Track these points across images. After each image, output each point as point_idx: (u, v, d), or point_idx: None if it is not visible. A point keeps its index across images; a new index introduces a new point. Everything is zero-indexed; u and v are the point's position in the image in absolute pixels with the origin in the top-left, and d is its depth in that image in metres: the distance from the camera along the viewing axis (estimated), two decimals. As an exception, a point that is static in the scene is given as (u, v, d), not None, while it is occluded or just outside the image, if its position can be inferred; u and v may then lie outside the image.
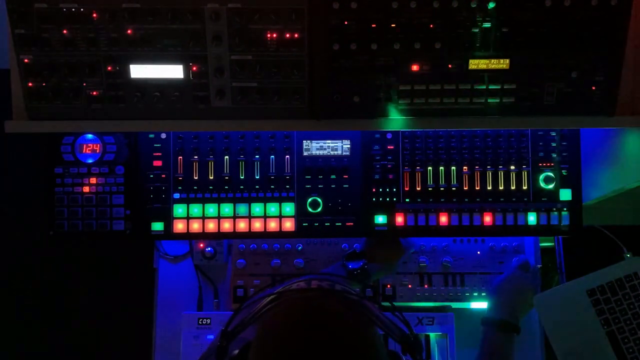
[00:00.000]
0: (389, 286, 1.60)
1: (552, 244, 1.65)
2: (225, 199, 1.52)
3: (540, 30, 1.21)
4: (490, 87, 1.25)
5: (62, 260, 2.16)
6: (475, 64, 1.23)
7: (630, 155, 1.37)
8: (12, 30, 1.21)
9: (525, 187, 1.52)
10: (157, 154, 1.52)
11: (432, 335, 1.58)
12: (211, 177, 1.52)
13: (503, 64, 1.23)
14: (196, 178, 1.52)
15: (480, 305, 1.59)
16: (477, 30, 1.21)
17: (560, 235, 1.59)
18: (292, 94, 1.27)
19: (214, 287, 1.66)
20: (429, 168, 1.52)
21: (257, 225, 1.52)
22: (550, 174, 1.51)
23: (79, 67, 1.23)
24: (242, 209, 1.52)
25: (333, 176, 1.53)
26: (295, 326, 0.88)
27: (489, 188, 1.52)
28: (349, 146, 1.53)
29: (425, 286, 1.60)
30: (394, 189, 1.52)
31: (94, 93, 1.26)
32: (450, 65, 1.23)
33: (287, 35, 1.22)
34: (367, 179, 1.52)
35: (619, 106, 1.27)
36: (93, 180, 1.50)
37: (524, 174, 1.52)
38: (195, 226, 1.52)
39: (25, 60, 1.23)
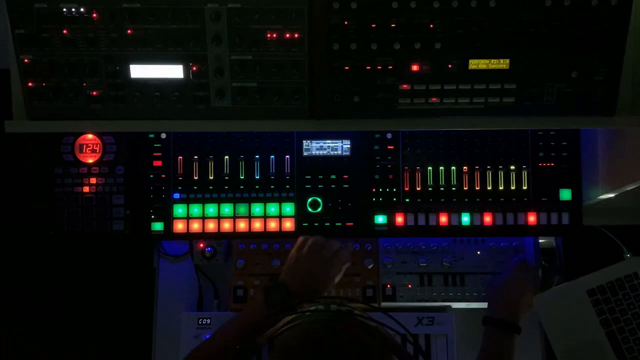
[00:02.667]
0: (389, 286, 1.59)
1: (552, 244, 1.65)
2: (225, 199, 1.52)
3: (540, 30, 1.21)
4: (490, 87, 1.25)
5: (61, 260, 2.16)
6: (475, 64, 1.23)
7: (630, 155, 1.37)
8: (12, 30, 1.21)
9: (525, 187, 1.52)
10: (157, 154, 1.52)
11: (432, 335, 1.58)
12: (211, 177, 1.52)
13: (503, 64, 1.23)
14: (196, 178, 1.52)
15: (480, 305, 1.58)
16: (477, 30, 1.21)
17: (560, 235, 1.58)
18: (292, 94, 1.27)
19: (214, 287, 1.65)
20: (429, 168, 1.52)
21: (257, 225, 1.52)
22: (550, 174, 1.51)
23: (79, 67, 1.23)
24: (242, 209, 1.52)
25: (333, 176, 1.53)
26: (315, 352, 0.90)
27: (489, 188, 1.52)
28: (349, 146, 1.53)
29: (426, 286, 1.60)
30: (394, 189, 1.52)
31: (94, 93, 1.26)
32: (450, 65, 1.23)
33: (287, 35, 1.22)
34: (367, 179, 1.52)
35: (619, 106, 1.27)
36: (93, 180, 1.51)
37: (524, 174, 1.52)
38: (195, 226, 1.52)
39: (25, 60, 1.23)
